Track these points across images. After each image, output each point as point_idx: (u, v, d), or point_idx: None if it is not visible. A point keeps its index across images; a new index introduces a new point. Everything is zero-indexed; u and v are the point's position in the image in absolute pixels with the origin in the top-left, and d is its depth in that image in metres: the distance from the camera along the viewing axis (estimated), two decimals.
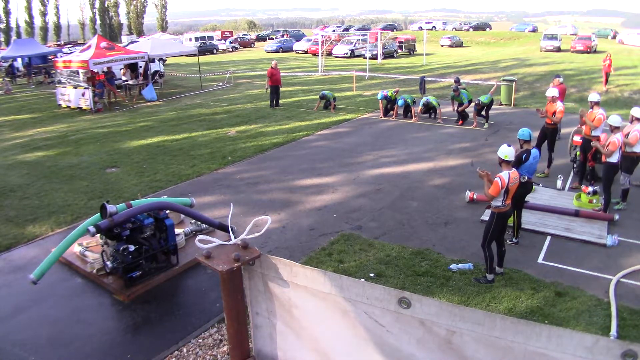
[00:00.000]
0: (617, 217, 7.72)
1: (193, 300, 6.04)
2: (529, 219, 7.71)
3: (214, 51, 47.80)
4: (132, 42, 33.32)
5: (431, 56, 35.42)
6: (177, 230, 6.94)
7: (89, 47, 19.57)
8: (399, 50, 37.70)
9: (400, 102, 15.36)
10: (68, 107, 19.13)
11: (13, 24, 61.16)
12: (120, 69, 21.53)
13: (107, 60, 18.73)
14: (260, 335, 3.33)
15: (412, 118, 15.37)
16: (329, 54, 35.89)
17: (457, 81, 15.40)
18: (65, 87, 19.41)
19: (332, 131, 14.33)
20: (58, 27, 67.14)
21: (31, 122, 17.08)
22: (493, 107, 14.83)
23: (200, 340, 5.23)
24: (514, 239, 7.12)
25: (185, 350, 5.09)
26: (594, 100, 8.96)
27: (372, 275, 6.33)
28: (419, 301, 2.43)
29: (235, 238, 3.12)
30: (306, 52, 40.79)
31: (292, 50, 43.70)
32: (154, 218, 6.39)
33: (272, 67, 17.56)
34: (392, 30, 52.13)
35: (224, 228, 6.50)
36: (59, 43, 53.86)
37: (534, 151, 7.00)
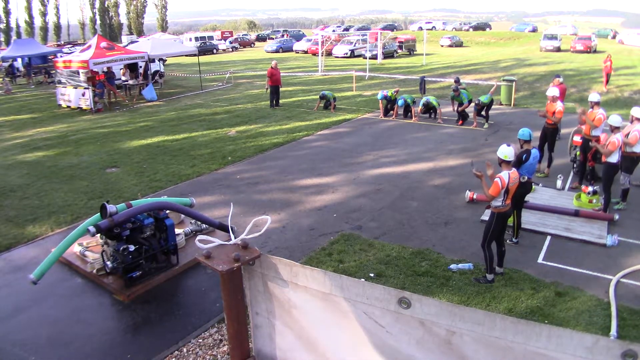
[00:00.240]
0: (617, 217, 7.72)
1: (193, 300, 6.04)
2: (529, 219, 7.71)
3: (214, 51, 47.80)
4: (132, 42, 33.29)
5: (431, 56, 35.42)
6: (177, 230, 6.94)
7: (89, 47, 19.57)
8: (399, 50, 37.71)
9: (400, 102, 15.36)
10: (68, 107, 19.14)
11: (13, 24, 61.15)
12: (120, 69, 21.54)
13: (107, 60, 18.73)
14: (260, 335, 3.33)
15: (412, 118, 15.37)
16: (329, 54, 35.90)
17: (457, 81, 15.40)
18: (65, 87, 19.41)
19: (332, 131, 14.33)
20: (58, 27, 67.12)
21: (31, 122, 17.08)
22: (493, 107, 14.83)
23: (200, 340, 5.23)
24: (514, 239, 7.12)
25: (185, 350, 5.09)
26: (594, 100, 8.97)
27: (372, 275, 6.33)
28: (419, 301, 2.43)
29: (235, 238, 3.12)
30: (306, 52, 40.79)
31: (292, 50, 43.70)
32: (154, 218, 6.39)
33: (272, 67, 17.56)
34: (392, 30, 52.10)
35: (224, 228, 6.50)
36: (59, 43, 53.84)
37: (534, 151, 7.00)
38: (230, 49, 50.74)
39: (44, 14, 65.76)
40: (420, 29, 57.32)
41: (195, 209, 6.76)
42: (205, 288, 6.23)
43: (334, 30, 53.61)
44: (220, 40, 53.98)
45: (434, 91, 19.79)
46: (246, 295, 3.21)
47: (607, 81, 20.34)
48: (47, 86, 26.05)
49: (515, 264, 6.54)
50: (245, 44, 55.39)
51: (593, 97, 9.06)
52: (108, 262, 6.08)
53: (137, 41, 33.62)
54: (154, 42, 24.37)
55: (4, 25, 59.83)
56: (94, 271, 6.39)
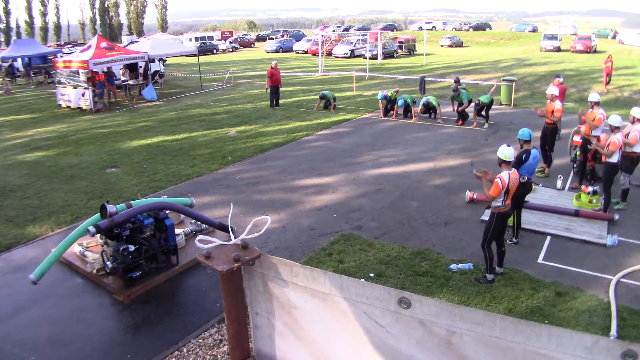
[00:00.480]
0: (617, 217, 7.72)
1: (193, 300, 6.04)
2: (529, 219, 7.71)
3: (214, 51, 47.81)
4: (132, 42, 33.34)
5: (431, 56, 35.42)
6: (177, 231, 6.94)
7: (89, 47, 19.58)
8: (399, 50, 37.71)
9: (400, 102, 15.37)
10: (68, 107, 19.14)
11: (13, 24, 61.15)
12: (120, 69, 21.54)
13: (107, 61, 18.74)
14: (260, 335, 3.33)
15: (412, 118, 15.37)
16: (329, 54, 35.89)
17: (457, 81, 15.40)
18: (65, 87, 19.42)
19: (332, 131, 14.33)
20: (58, 27, 67.13)
21: (31, 122, 17.08)
22: (493, 107, 14.83)
23: (201, 340, 5.23)
24: (513, 239, 7.12)
25: (185, 350, 5.09)
26: (594, 100, 8.97)
27: (372, 275, 6.33)
28: (419, 301, 2.43)
29: (235, 238, 3.12)
30: (306, 52, 40.78)
31: (292, 51, 43.70)
32: (154, 218, 6.39)
33: (272, 67, 17.57)
34: (392, 30, 52.13)
35: (223, 228, 6.50)
36: (59, 43, 53.91)
37: (534, 151, 7.00)
38: (230, 49, 50.74)
39: (44, 14, 65.77)
40: (420, 29, 57.34)
41: (195, 209, 6.76)
42: (205, 288, 6.23)
43: (334, 31, 53.64)
44: (220, 40, 54.00)
45: (434, 91, 19.79)
46: (246, 295, 3.21)
47: (608, 81, 20.33)
48: (47, 86, 26.05)
49: (515, 264, 6.54)
50: (245, 44, 55.41)
51: (593, 97, 9.06)
52: (108, 262, 6.08)
53: (137, 41, 33.66)
54: (154, 42, 24.38)
55: (4, 25, 59.84)
56: (94, 271, 6.39)
